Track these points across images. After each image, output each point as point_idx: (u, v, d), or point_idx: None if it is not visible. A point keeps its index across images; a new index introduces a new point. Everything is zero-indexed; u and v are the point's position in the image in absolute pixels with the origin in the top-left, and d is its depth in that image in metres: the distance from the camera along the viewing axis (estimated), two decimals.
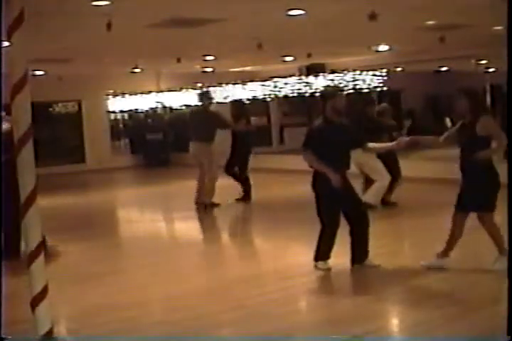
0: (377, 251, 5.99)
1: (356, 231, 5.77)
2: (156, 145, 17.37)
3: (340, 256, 6.03)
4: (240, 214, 10.05)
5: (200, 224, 9.22)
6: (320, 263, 5.81)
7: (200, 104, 10.19)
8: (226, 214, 10.00)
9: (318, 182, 5.72)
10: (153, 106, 17.99)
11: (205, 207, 9.78)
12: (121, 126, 19.09)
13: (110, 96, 17.84)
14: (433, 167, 11.64)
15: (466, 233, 6.94)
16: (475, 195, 5.52)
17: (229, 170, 10.33)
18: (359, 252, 5.81)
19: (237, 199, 10.29)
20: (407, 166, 10.07)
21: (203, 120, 9.91)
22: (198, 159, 9.95)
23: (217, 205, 9.86)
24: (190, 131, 10.13)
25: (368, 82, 13.34)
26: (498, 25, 9.24)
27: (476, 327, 4.22)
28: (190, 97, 17.14)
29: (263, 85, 15.47)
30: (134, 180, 15.99)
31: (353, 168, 6.16)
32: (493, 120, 5.54)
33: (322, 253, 5.82)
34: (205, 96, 10.11)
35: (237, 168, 10.35)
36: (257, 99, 15.89)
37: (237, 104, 11.83)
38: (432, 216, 8.40)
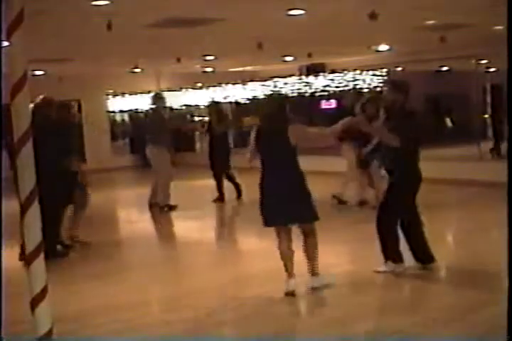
0: (378, 251, 5.98)
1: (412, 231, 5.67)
2: None
3: (341, 257, 6.04)
4: (240, 214, 10.05)
5: (199, 224, 9.21)
6: (398, 266, 5.58)
7: (153, 106, 10.20)
8: (225, 214, 10.01)
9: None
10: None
11: (161, 209, 9.83)
12: (121, 126, 19.09)
13: (110, 96, 17.84)
14: (434, 167, 11.62)
15: (469, 234, 6.95)
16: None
17: (216, 173, 10.37)
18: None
19: (238, 197, 10.34)
20: None
21: (153, 123, 9.93)
22: (150, 162, 10.01)
23: (173, 208, 9.87)
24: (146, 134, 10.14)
25: (368, 82, 13.34)
26: (499, 24, 9.24)
27: (476, 327, 4.22)
28: (190, 97, 17.18)
29: (263, 85, 15.48)
30: (134, 180, 15.98)
31: None
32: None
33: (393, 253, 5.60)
34: (157, 99, 10.10)
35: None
36: (257, 99, 15.89)
37: (215, 106, 11.27)
38: (430, 216, 8.40)
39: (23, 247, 6.45)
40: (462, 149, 12.84)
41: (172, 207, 9.86)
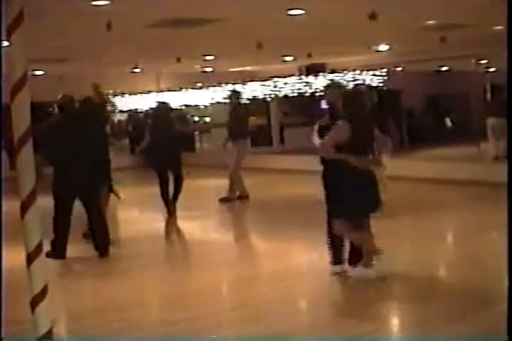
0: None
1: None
2: None
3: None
4: (240, 215, 10.04)
5: (199, 225, 9.20)
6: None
7: (230, 102, 10.55)
8: (226, 215, 10.00)
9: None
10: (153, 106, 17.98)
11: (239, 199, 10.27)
12: (121, 126, 19.07)
13: (110, 96, 17.82)
14: (434, 167, 11.64)
15: (468, 235, 6.92)
16: None
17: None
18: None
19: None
20: (408, 166, 10.07)
21: (235, 119, 10.26)
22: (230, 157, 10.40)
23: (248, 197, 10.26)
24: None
25: (368, 81, 13.33)
26: (499, 24, 9.24)
27: (476, 327, 4.22)
28: (190, 97, 17.16)
29: (263, 85, 15.47)
30: (134, 180, 15.96)
31: None
32: None
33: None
34: (235, 95, 10.45)
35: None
36: (257, 99, 15.89)
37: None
38: (430, 216, 8.40)
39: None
40: (462, 149, 12.86)
41: (247, 197, 10.33)
